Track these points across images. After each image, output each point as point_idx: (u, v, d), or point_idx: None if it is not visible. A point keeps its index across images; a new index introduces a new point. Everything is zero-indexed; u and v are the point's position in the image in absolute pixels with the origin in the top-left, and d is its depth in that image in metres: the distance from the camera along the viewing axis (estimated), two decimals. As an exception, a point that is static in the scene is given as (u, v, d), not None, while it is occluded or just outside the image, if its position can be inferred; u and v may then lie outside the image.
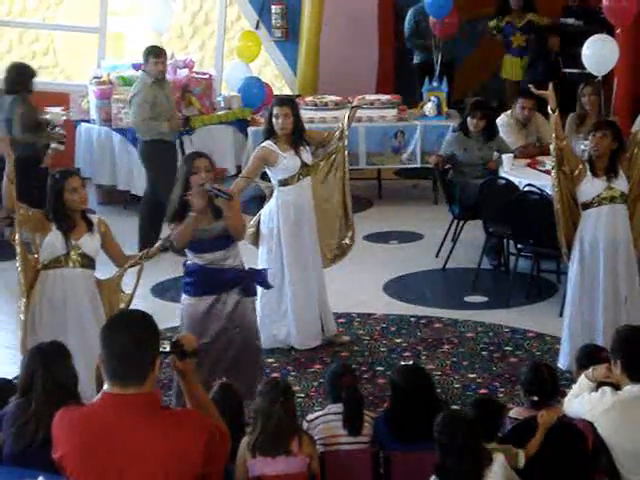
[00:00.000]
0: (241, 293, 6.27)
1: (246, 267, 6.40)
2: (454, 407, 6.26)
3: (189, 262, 6.29)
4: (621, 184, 6.79)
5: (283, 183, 7.36)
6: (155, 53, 9.52)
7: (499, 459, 4.43)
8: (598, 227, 6.81)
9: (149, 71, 9.51)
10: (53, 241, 6.04)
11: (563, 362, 6.91)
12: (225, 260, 6.22)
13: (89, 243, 6.12)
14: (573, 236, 6.86)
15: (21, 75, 9.68)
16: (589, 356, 5.21)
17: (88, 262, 6.12)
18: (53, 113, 10.17)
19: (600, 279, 6.84)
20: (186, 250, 6.27)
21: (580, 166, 6.82)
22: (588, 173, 6.78)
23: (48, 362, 4.59)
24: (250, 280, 6.37)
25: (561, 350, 7.02)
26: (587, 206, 6.81)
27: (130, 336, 3.43)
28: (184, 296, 6.33)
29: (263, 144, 7.38)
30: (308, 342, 7.45)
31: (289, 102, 7.51)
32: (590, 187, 6.79)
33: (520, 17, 12.42)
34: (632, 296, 6.90)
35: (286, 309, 7.39)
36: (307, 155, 7.37)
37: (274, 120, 7.26)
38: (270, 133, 7.32)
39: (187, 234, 6.09)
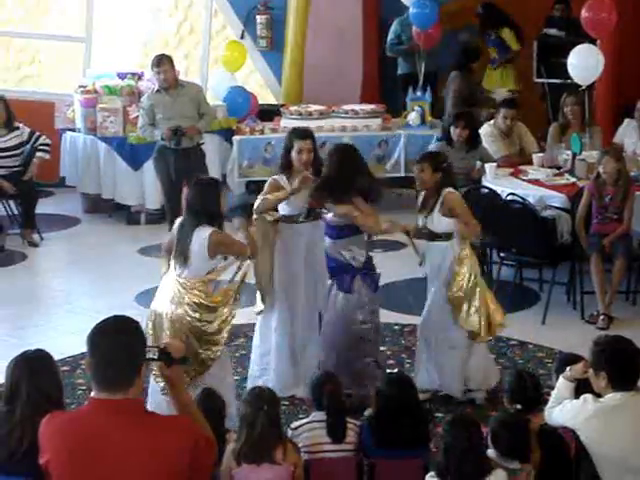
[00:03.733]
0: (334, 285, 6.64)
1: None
2: (438, 415, 6.31)
3: None
4: (434, 223, 6.66)
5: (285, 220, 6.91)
6: (155, 63, 9.56)
7: (500, 475, 4.46)
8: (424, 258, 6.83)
9: (156, 80, 9.66)
10: None
11: None
12: (336, 252, 6.59)
13: None
14: None
15: (467, 53, 10.28)
16: (565, 365, 5.26)
17: None
18: (500, 92, 11.16)
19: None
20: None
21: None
22: (418, 204, 6.82)
23: (33, 371, 4.57)
24: (345, 275, 6.62)
25: None
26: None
27: (117, 341, 3.46)
28: None
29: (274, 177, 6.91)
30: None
31: (311, 135, 6.92)
32: (418, 218, 6.80)
33: (495, 30, 12.56)
34: None
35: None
36: None
37: (296, 155, 6.76)
38: (286, 168, 6.82)
39: None
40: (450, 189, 6.67)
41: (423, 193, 6.81)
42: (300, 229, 6.82)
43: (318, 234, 6.83)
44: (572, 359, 5.23)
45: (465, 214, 6.64)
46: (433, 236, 6.69)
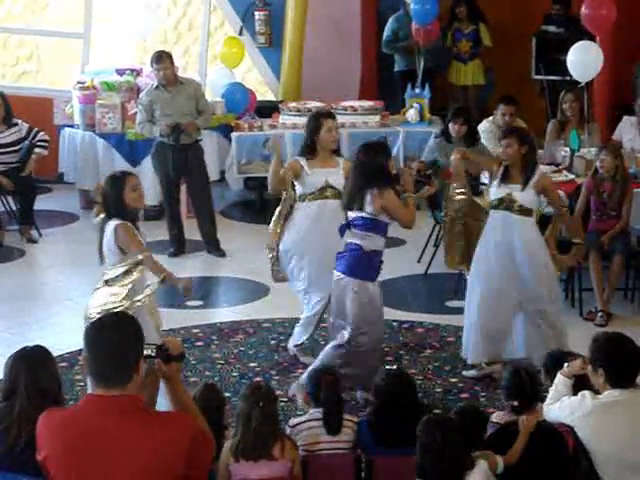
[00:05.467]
0: None
1: None
2: (436, 411, 6.31)
3: (372, 248, 6.47)
4: (524, 197, 6.78)
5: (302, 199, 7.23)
6: (155, 59, 9.56)
7: (482, 465, 4.47)
8: (494, 229, 6.90)
9: (155, 77, 9.65)
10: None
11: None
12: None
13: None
14: None
15: None
16: (555, 362, 5.30)
17: None
18: None
19: (495, 280, 6.90)
20: (372, 234, 6.46)
21: (494, 167, 6.93)
22: (499, 176, 6.87)
23: (32, 367, 4.57)
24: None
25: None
26: (492, 208, 6.93)
27: (115, 337, 3.46)
28: (361, 282, 6.47)
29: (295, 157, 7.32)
30: None
31: (334, 114, 7.40)
32: (494, 190, 6.89)
33: (467, 24, 12.59)
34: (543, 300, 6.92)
35: None
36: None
37: (326, 134, 7.12)
38: (311, 150, 7.17)
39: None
40: (543, 170, 6.91)
41: (502, 167, 6.89)
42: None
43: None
44: (561, 356, 5.27)
45: (555, 197, 7.01)
46: (515, 208, 6.80)
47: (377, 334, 6.58)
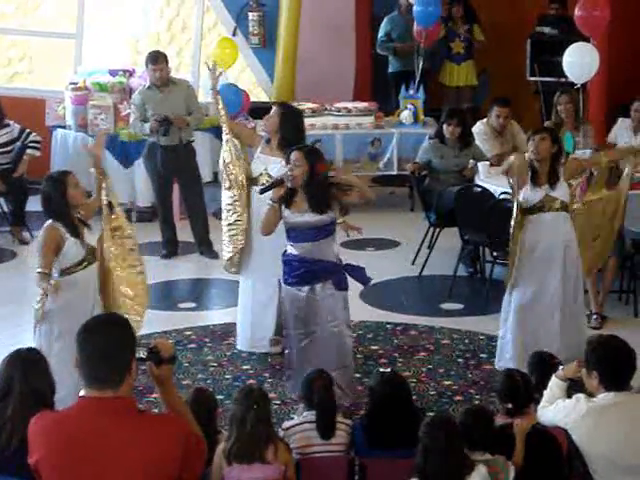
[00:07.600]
0: (333, 286, 6.42)
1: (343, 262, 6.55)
2: (430, 414, 6.27)
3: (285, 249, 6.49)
4: (561, 193, 6.84)
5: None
6: (152, 60, 9.52)
7: (481, 470, 4.45)
8: (540, 232, 6.88)
9: (149, 77, 9.59)
10: (72, 248, 6.09)
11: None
12: (312, 253, 6.37)
13: (89, 238, 6.26)
14: None
15: None
16: (541, 363, 5.27)
17: (94, 254, 6.27)
18: None
19: (546, 284, 6.91)
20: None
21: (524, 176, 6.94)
22: (528, 180, 6.87)
23: (27, 369, 4.55)
24: (342, 274, 6.46)
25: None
26: (529, 212, 6.90)
27: (106, 338, 3.45)
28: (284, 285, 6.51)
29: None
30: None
31: (276, 103, 7.66)
32: (531, 195, 6.86)
33: (461, 25, 12.58)
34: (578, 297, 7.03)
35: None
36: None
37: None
38: None
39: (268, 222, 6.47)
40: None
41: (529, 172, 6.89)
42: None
43: None
44: (548, 357, 5.28)
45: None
46: (565, 206, 6.83)
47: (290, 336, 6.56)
